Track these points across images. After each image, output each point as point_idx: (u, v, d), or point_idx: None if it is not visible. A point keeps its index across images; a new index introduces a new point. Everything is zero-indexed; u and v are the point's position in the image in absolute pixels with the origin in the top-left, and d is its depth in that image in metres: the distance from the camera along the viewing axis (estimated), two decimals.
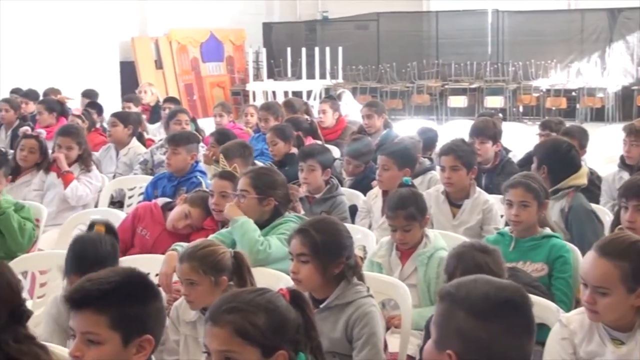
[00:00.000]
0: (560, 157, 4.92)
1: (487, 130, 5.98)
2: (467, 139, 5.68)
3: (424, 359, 2.10)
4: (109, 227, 3.63)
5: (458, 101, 16.68)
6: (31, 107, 9.80)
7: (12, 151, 6.64)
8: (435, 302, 2.10)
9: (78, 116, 8.28)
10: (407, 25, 18.71)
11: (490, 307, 1.97)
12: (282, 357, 2.23)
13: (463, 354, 1.95)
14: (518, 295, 2.04)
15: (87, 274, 2.71)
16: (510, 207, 4.05)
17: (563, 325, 2.87)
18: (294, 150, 6.41)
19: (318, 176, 5.28)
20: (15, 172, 6.04)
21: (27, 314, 2.61)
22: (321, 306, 3.16)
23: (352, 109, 10.15)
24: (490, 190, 5.36)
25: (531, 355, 2.03)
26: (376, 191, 5.27)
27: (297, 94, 15.57)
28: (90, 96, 10.72)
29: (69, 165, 6.12)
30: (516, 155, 6.55)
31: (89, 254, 3.43)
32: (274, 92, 16.02)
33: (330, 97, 9.66)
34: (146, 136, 8.09)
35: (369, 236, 4.61)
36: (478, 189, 5.00)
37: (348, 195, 5.50)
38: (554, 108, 15.96)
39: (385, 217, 4.20)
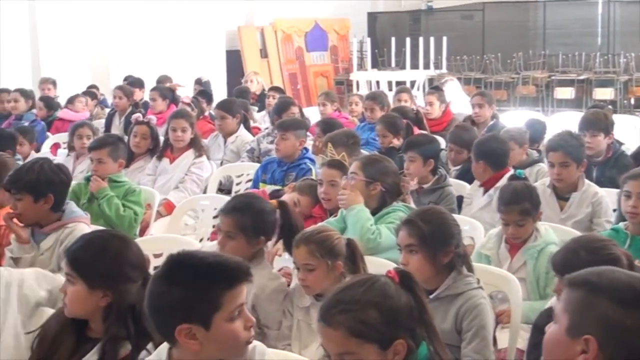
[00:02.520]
0: None
1: (599, 123, 5.78)
2: (575, 131, 5.48)
3: (546, 346, 2.04)
4: (281, 204, 3.82)
5: (565, 93, 16.27)
6: (138, 95, 10.05)
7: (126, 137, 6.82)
8: (566, 289, 2.02)
9: (188, 104, 8.46)
10: (513, 15, 18.36)
11: (636, 296, 1.93)
12: (400, 346, 2.22)
13: (604, 341, 1.91)
14: None
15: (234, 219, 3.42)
16: (629, 198, 3.93)
17: None
18: (396, 142, 6.37)
19: (419, 167, 5.24)
20: (129, 159, 6.22)
21: None
22: (431, 296, 3.14)
23: (456, 98, 10.02)
24: (601, 183, 5.21)
25: None
26: None
27: (400, 84, 15.49)
28: (202, 84, 10.95)
29: (184, 149, 6.27)
30: (629, 149, 6.33)
31: (242, 204, 3.62)
32: (377, 82, 15.97)
33: (437, 88, 9.56)
34: (252, 124, 8.19)
35: (477, 228, 4.57)
36: (587, 181, 4.88)
37: (455, 186, 5.44)
38: None
39: (498, 212, 4.14)
